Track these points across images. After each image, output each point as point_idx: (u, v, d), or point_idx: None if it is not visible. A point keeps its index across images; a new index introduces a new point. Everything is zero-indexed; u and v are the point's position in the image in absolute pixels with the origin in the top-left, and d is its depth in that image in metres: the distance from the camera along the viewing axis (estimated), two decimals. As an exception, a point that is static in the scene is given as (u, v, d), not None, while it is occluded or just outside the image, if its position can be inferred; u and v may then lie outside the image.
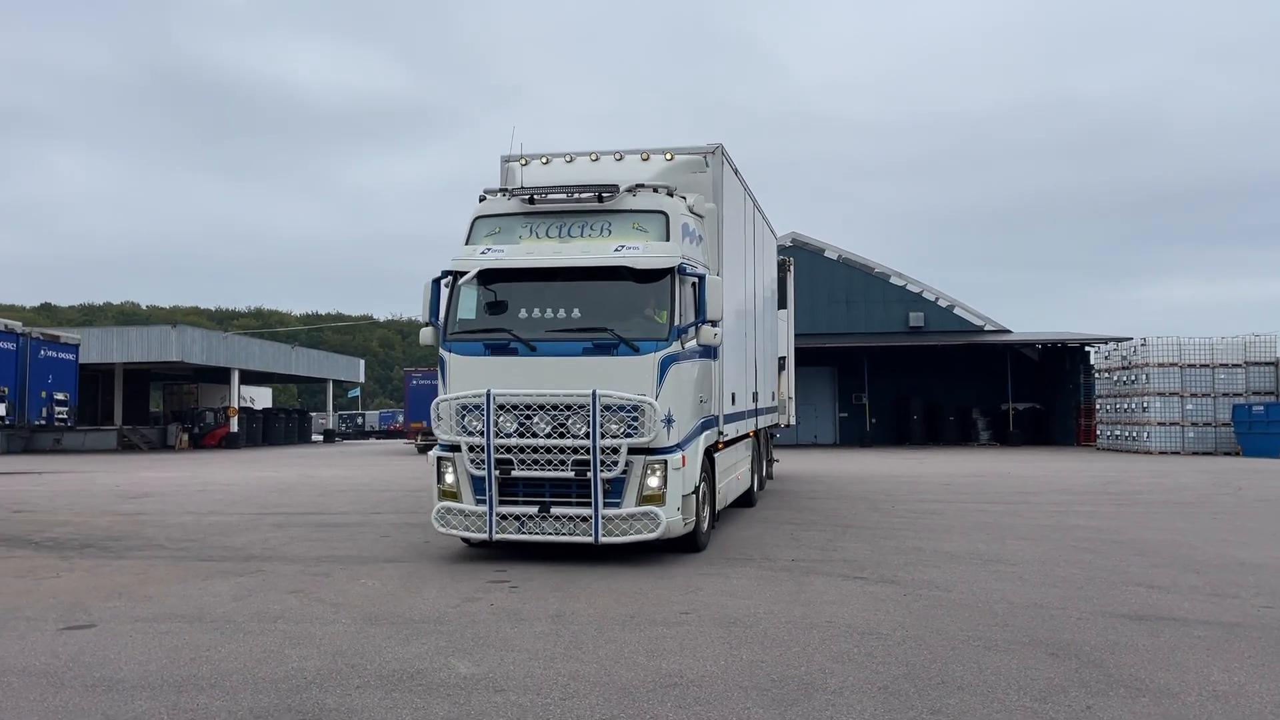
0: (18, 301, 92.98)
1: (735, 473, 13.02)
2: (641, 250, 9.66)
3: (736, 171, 13.04)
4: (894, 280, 42.13)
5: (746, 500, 14.59)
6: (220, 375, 51.43)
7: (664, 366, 9.36)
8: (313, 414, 68.62)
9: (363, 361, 69.15)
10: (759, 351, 15.06)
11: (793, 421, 20.02)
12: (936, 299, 42.06)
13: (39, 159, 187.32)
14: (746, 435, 13.94)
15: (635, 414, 9.15)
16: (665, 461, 9.32)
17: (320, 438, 63.93)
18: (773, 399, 17.27)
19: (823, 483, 20.17)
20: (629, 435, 9.16)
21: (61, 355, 30.26)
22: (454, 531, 9.69)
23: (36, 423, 29.26)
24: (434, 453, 10.01)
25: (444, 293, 10.11)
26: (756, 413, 14.69)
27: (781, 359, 19.04)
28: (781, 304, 19.25)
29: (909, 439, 40.89)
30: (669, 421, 9.36)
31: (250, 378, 56.88)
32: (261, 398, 69.34)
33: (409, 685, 5.66)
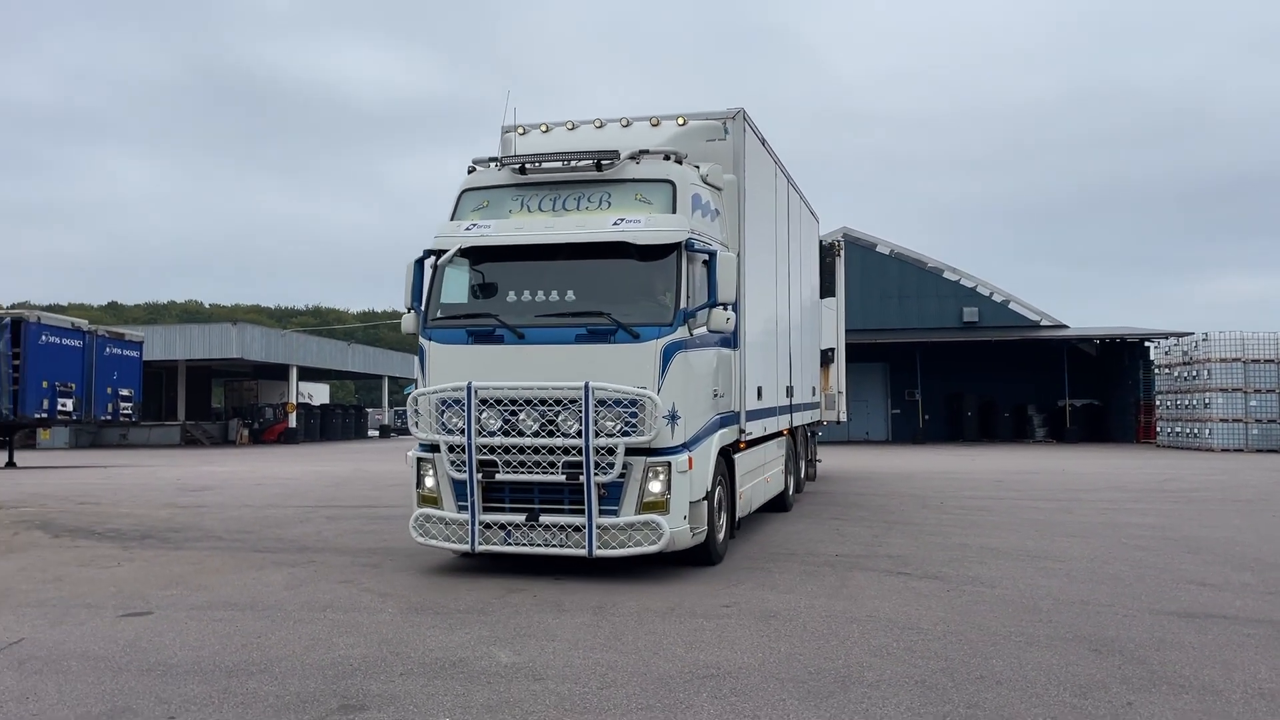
0: (86, 300, 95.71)
1: (763, 475, 11.93)
2: (643, 223, 8.61)
3: (764, 141, 11.88)
4: (947, 275, 41.61)
5: (780, 505, 13.40)
6: (279, 372, 52.43)
7: (668, 355, 8.35)
8: (369, 410, 69.67)
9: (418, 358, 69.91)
10: (794, 341, 13.91)
11: (844, 418, 19.13)
12: (991, 294, 41.47)
13: (100, 161, 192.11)
14: (779, 434, 12.86)
15: (633, 409, 8.16)
16: (669, 464, 8.31)
17: (376, 433, 64.90)
18: (814, 394, 16.32)
19: (871, 480, 20.05)
20: (626, 434, 8.17)
21: (126, 352, 31.30)
22: (434, 542, 8.81)
23: (103, 418, 30.30)
24: (413, 453, 9.12)
25: (428, 275, 9.26)
26: (791, 409, 13.58)
27: (829, 351, 18.14)
28: (829, 292, 18.17)
29: (963, 436, 40.40)
30: (673, 418, 8.37)
31: (308, 374, 57.95)
32: (319, 394, 70.57)
33: (451, 673, 5.78)
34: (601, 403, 8.20)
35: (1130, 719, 4.89)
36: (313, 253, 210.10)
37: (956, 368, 40.97)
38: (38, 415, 27.58)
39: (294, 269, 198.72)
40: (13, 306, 30.73)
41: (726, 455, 9.74)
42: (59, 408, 27.89)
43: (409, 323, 9.19)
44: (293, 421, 49.91)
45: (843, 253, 19.20)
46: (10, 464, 27.68)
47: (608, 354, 8.37)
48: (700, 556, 8.99)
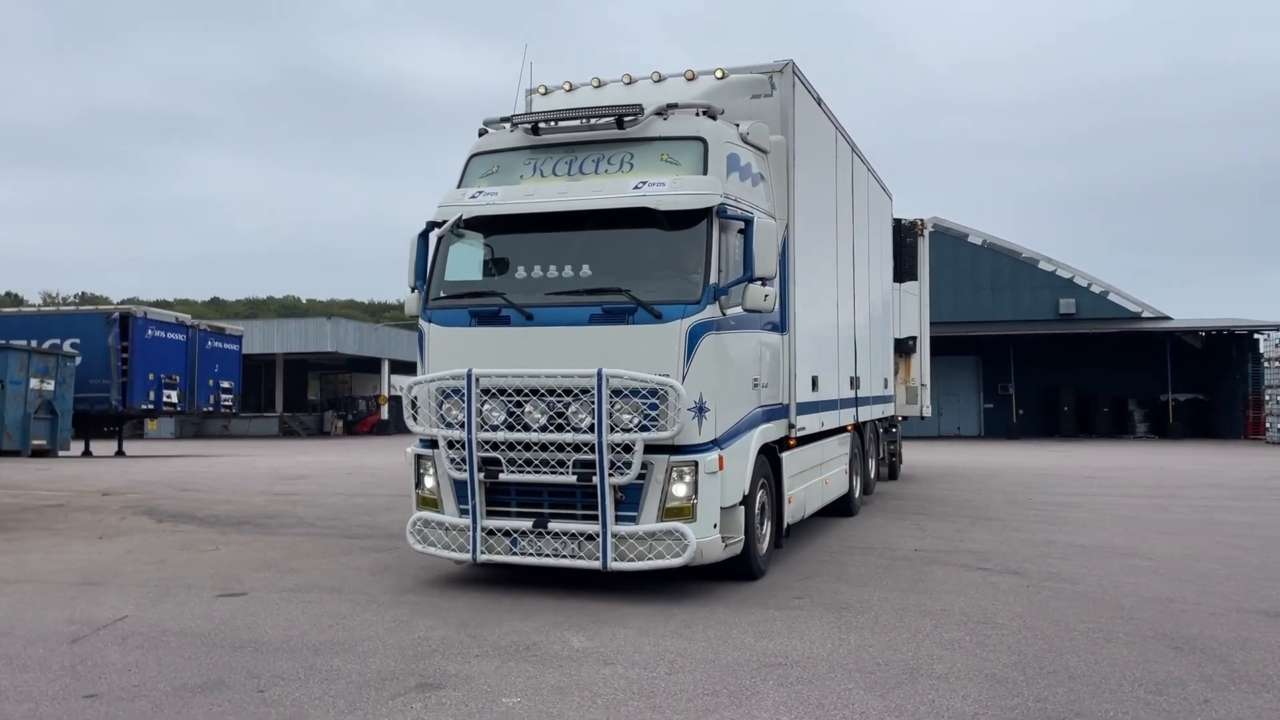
0: (190, 296, 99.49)
1: (820, 476, 10.66)
2: (668, 186, 7.57)
3: (819, 101, 10.70)
4: (1043, 265, 40.57)
5: (844, 508, 12.12)
6: (372, 365, 53.76)
7: (694, 337, 7.33)
8: (459, 403, 70.85)
9: (506, 352, 70.76)
10: (861, 327, 12.68)
11: (927, 413, 18.23)
12: (1089, 285, 40.31)
13: (198, 161, 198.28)
14: (842, 429, 11.67)
15: (654, 400, 7.17)
16: (695, 463, 7.28)
17: (466, 426, 65.86)
18: (886, 386, 15.03)
19: (958, 476, 19.73)
20: (645, 428, 7.17)
21: (227, 346, 32.54)
22: (432, 550, 7.91)
23: (205, 409, 31.53)
24: (412, 449, 8.28)
25: (432, 250, 8.44)
26: (857, 402, 12.38)
27: (910, 340, 17.16)
28: (909, 275, 16.89)
29: (1059, 431, 39.40)
30: (700, 410, 7.34)
31: (400, 367, 59.21)
32: (411, 387, 72.08)
33: (524, 656, 5.94)
34: (617, 392, 7.25)
35: (1205, 716, 4.79)
36: (403, 248, 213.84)
37: (1052, 361, 39.96)
38: (144, 406, 28.87)
39: (386, 264, 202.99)
40: (122, 302, 32.17)
41: (772, 454, 8.75)
42: (164, 399, 29.16)
43: (412, 303, 8.35)
44: (385, 413, 51.12)
45: (926, 233, 17.67)
46: (120, 453, 29.01)
47: (626, 336, 7.41)
48: (736, 570, 7.99)
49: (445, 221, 8.15)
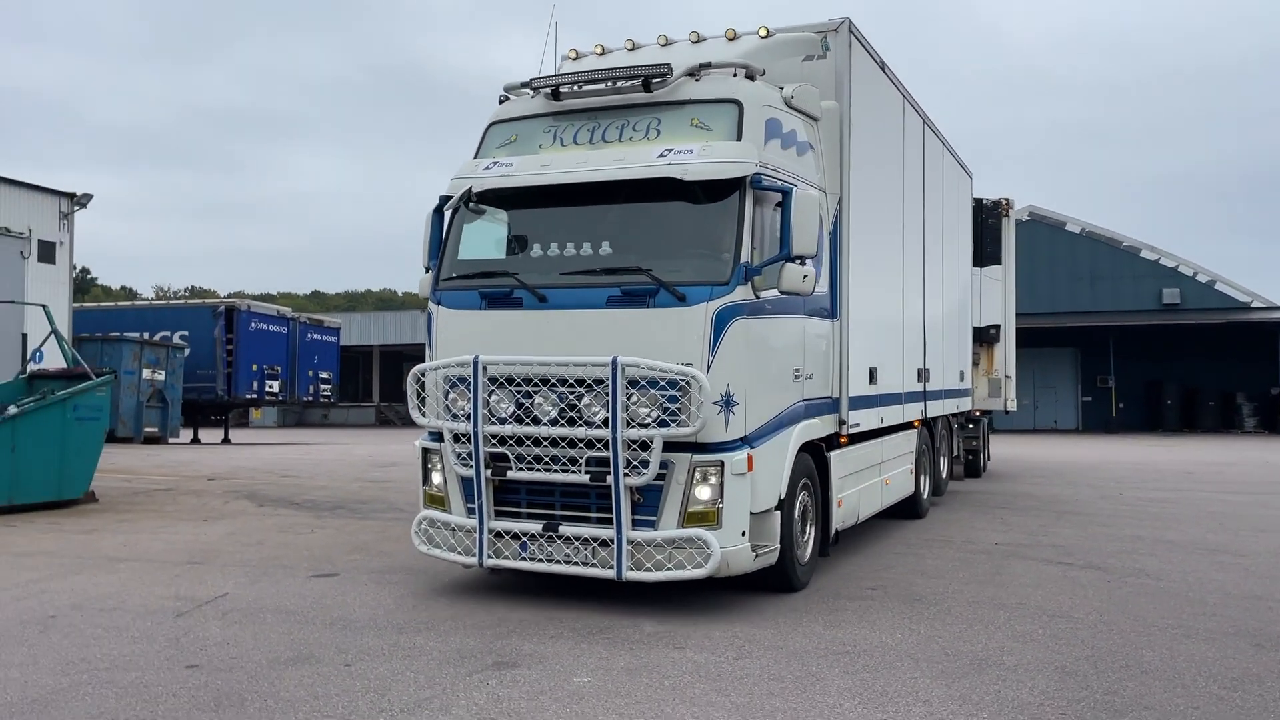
0: (293, 289, 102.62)
1: (879, 476, 9.73)
2: (696, 154, 6.80)
3: (883, 66, 9.76)
4: (1145, 254, 39.19)
5: (910, 510, 11.18)
6: (465, 356, 54.85)
7: (721, 322, 6.57)
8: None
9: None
10: (931, 313, 11.66)
11: (1012, 406, 17.22)
12: (1195, 274, 38.78)
13: (293, 158, 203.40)
14: (907, 425, 10.76)
15: (674, 392, 6.43)
16: (721, 463, 6.53)
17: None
18: (962, 378, 13.99)
19: (1050, 470, 19.33)
20: (665, 423, 6.44)
21: (325, 338, 33.67)
22: (438, 552, 7.28)
23: (305, 399, 32.69)
24: (420, 442, 7.71)
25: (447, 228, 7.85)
26: (925, 395, 11.43)
27: (993, 329, 16.27)
28: (992, 259, 15.84)
29: (1161, 425, 38.09)
30: (727, 403, 6.58)
31: (492, 359, 60.29)
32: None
33: (598, 638, 6.13)
34: (634, 383, 6.52)
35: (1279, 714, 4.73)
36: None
37: (1155, 353, 38.68)
38: (248, 395, 30.13)
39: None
40: (228, 296, 33.54)
41: (817, 451, 7.97)
42: (266, 389, 30.36)
43: (425, 284, 7.73)
44: (478, 404, 52.08)
45: (1011, 213, 16.54)
46: (225, 440, 30.23)
47: (646, 321, 6.69)
48: (772, 581, 7.25)
49: (458, 195, 7.59)
